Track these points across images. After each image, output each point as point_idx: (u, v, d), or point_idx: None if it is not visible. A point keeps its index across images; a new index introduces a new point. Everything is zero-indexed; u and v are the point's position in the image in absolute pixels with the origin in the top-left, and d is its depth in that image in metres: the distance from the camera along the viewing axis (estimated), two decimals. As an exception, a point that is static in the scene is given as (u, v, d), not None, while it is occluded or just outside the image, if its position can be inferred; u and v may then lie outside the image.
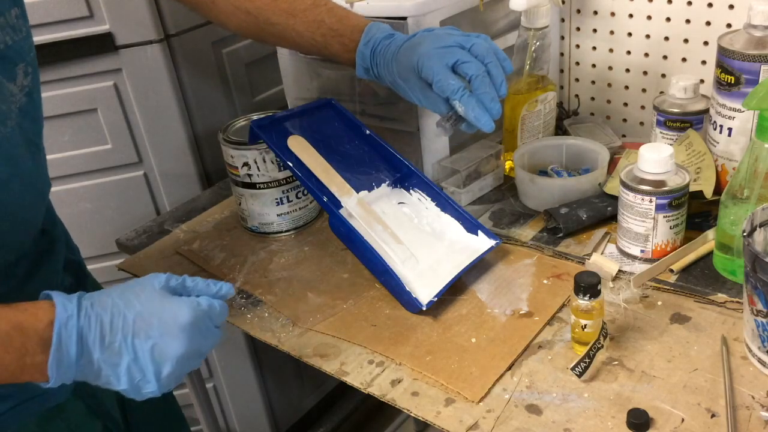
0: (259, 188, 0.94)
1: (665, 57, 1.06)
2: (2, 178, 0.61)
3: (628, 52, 1.10)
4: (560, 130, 1.12)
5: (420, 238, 0.87)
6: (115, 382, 0.59)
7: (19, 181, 0.64)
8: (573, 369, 0.66)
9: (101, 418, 0.78)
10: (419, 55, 0.77)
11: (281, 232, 0.98)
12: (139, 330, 0.58)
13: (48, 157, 0.74)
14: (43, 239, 0.76)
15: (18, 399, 0.68)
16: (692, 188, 0.82)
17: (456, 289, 0.82)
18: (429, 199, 0.91)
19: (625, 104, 1.14)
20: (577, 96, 1.19)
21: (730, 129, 0.86)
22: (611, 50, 1.12)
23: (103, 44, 1.09)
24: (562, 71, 1.18)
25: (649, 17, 1.05)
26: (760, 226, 0.69)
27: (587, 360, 0.67)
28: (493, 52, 0.78)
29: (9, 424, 0.68)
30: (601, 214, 0.90)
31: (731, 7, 0.97)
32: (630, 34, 1.08)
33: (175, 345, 0.59)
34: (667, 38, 1.05)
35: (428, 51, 0.77)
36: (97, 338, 0.57)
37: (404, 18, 0.90)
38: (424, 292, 0.79)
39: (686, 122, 0.93)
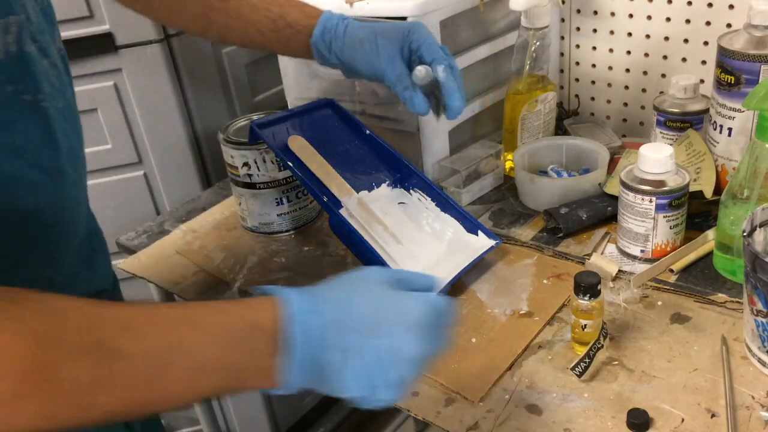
0: (259, 188, 0.94)
1: (665, 57, 1.06)
2: (74, 146, 0.59)
3: (628, 52, 1.10)
4: (560, 130, 1.12)
5: (420, 238, 0.87)
6: (344, 388, 0.50)
7: (80, 150, 0.63)
8: (573, 369, 0.66)
9: (128, 427, 0.77)
10: (414, 22, 0.82)
11: (281, 232, 0.98)
12: (372, 329, 0.50)
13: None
14: (92, 221, 0.74)
15: None
16: (692, 188, 0.82)
17: (456, 289, 0.82)
18: (429, 199, 0.91)
19: (625, 104, 1.14)
20: (577, 96, 1.19)
21: (730, 129, 0.86)
22: (611, 50, 1.12)
23: (103, 44, 1.09)
24: (562, 71, 1.18)
25: (649, 17, 1.05)
26: (760, 226, 0.69)
27: (587, 360, 0.67)
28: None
29: None
30: (601, 214, 0.90)
31: (731, 7, 0.97)
32: (630, 34, 1.08)
33: (411, 346, 0.50)
34: (667, 38, 1.05)
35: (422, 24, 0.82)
36: (328, 338, 0.49)
37: (404, 18, 0.90)
38: (424, 292, 0.79)
39: (686, 122, 0.93)
